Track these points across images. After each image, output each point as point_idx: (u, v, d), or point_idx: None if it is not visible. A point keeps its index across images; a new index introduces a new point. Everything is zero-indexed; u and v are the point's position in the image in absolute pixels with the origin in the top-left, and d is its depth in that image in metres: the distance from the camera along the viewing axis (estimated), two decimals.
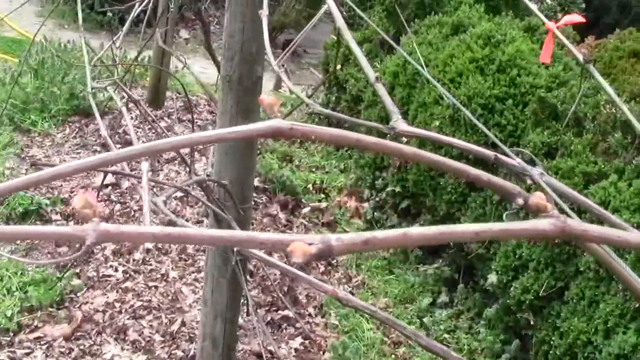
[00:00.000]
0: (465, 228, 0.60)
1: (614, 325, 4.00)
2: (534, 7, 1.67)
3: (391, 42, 2.40)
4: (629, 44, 6.96)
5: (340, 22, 1.57)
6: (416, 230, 0.60)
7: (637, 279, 0.81)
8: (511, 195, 0.69)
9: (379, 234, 0.59)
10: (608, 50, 7.05)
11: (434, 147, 4.76)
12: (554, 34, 1.63)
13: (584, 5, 11.24)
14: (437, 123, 5.50)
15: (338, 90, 8.00)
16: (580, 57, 1.63)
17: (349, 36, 1.55)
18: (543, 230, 0.60)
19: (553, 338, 4.39)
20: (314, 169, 7.27)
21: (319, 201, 6.62)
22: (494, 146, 1.45)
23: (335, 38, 8.05)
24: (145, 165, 1.69)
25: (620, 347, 3.89)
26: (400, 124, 1.25)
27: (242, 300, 3.69)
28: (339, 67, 4.94)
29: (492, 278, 4.95)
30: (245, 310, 4.38)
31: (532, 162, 1.21)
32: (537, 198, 0.62)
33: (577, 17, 1.69)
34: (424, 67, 5.41)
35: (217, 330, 3.42)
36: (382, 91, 1.40)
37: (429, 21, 6.74)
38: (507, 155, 1.25)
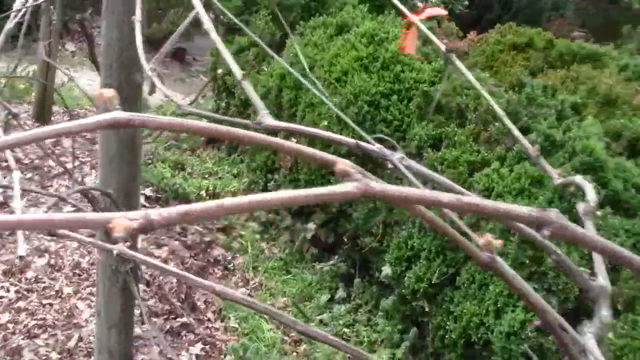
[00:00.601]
0: (276, 195, 0.64)
1: (503, 305, 4.14)
2: (396, 1, 1.74)
3: (269, 50, 2.42)
4: (509, 38, 7.21)
5: (208, 25, 1.60)
6: (229, 201, 0.64)
7: (466, 241, 0.87)
8: (327, 164, 0.74)
9: (197, 205, 0.62)
10: (490, 44, 7.29)
11: (323, 145, 4.83)
12: (417, 26, 1.70)
13: (467, 3, 11.49)
14: (326, 122, 5.58)
15: (227, 96, 8.01)
16: (442, 47, 1.69)
17: (215, 37, 1.58)
18: (348, 192, 0.64)
19: (448, 323, 4.51)
20: (206, 176, 7.26)
21: None
22: (381, 141, 1.51)
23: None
24: (16, 174, 1.66)
25: (510, 325, 4.03)
26: (266, 118, 1.31)
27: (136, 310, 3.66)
28: (220, 71, 4.97)
29: (387, 270, 5.04)
30: (141, 320, 4.35)
31: (393, 148, 1.26)
32: (341, 165, 0.67)
33: (439, 10, 1.76)
34: (308, 68, 5.48)
35: (113, 341, 3.38)
36: (248, 89, 1.44)
37: (313, 22, 6.83)
38: (370, 143, 1.31)
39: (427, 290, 4.69)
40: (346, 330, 5.35)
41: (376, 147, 1.17)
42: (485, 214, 0.64)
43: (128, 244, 1.81)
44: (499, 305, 4.16)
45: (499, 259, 0.85)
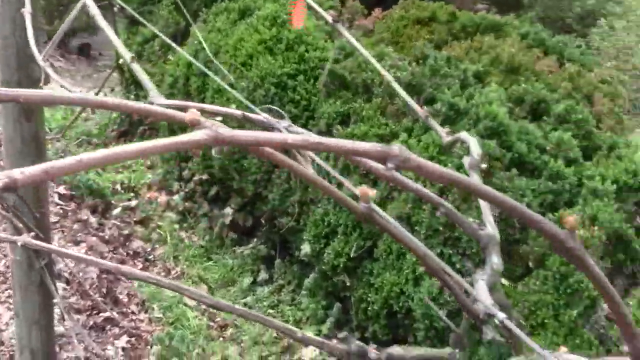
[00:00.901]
0: (130, 147, 0.67)
1: (422, 273, 4.23)
2: None
3: (171, 42, 2.43)
4: (413, 12, 7.32)
5: (94, 11, 1.61)
6: (87, 155, 0.66)
7: (341, 193, 0.90)
8: (181, 120, 0.76)
9: (57, 162, 0.64)
10: (394, 20, 7.38)
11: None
12: None
13: None
14: (234, 106, 5.59)
15: (136, 88, 7.94)
16: (330, 18, 1.73)
17: (104, 23, 1.59)
18: (199, 139, 0.66)
19: (369, 295, 4.57)
20: (120, 169, 7.20)
21: (129, 200, 6.57)
22: (281, 117, 1.54)
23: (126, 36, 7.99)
24: None
25: (428, 291, 4.12)
26: (157, 98, 1.34)
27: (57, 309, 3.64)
28: (121, 61, 4.91)
29: (306, 248, 5.09)
30: (62, 317, 4.31)
31: (281, 116, 1.30)
32: (191, 114, 0.69)
33: None
34: (213, 55, 5.49)
35: (34, 339, 3.35)
36: (138, 71, 1.47)
37: (216, 9, 6.82)
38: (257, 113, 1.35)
39: (347, 265, 4.75)
40: (271, 311, 5.39)
41: (262, 116, 1.21)
42: (331, 151, 0.67)
43: (32, 234, 1.82)
44: (417, 273, 4.25)
45: (376, 208, 0.90)
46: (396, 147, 0.67)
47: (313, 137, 0.67)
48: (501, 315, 1.09)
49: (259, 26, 5.90)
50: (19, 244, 1.82)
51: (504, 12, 11.14)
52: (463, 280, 1.18)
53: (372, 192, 0.87)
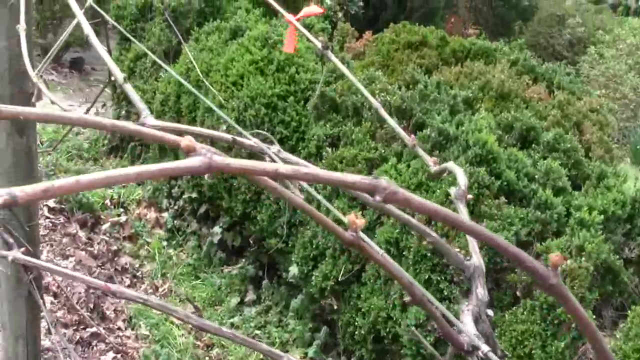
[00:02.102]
0: (128, 171, 0.69)
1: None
2: (274, 3, 1.80)
3: (160, 62, 2.46)
4: (404, 36, 7.36)
5: (88, 30, 1.63)
6: (86, 177, 0.68)
7: (329, 220, 0.92)
8: (175, 145, 0.78)
9: (57, 182, 0.66)
10: (385, 43, 7.43)
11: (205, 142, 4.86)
12: (295, 25, 1.76)
13: (362, 4, 11.61)
14: (225, 127, 5.61)
15: (127, 104, 7.95)
16: (319, 45, 1.76)
17: (95, 41, 1.61)
18: (193, 166, 0.69)
19: (357, 319, 4.58)
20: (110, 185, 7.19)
21: (118, 215, 6.57)
22: (280, 142, 1.56)
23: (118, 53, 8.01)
24: None
25: (416, 317, 4.13)
26: (149, 119, 1.36)
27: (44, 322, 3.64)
28: (113, 78, 4.95)
29: (294, 270, 5.10)
30: (49, 331, 4.31)
31: (270, 142, 1.32)
32: (186, 141, 0.72)
33: (315, 9, 1.82)
34: (202, 74, 5.52)
35: (20, 353, 3.35)
36: (130, 91, 1.49)
37: (208, 28, 6.85)
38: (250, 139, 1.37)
39: (335, 288, 4.76)
40: (258, 332, 5.39)
41: (253, 141, 1.23)
42: (321, 182, 0.69)
43: (23, 249, 1.83)
44: (404, 299, 4.25)
45: (364, 237, 0.92)
46: (384, 181, 0.69)
47: (304, 169, 0.69)
48: (485, 347, 1.11)
49: (250, 46, 5.93)
50: (9, 259, 1.84)
51: (495, 38, 11.23)
52: (447, 311, 1.20)
53: (361, 222, 0.89)
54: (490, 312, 1.36)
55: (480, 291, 1.36)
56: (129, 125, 0.85)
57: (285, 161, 1.21)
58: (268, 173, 0.70)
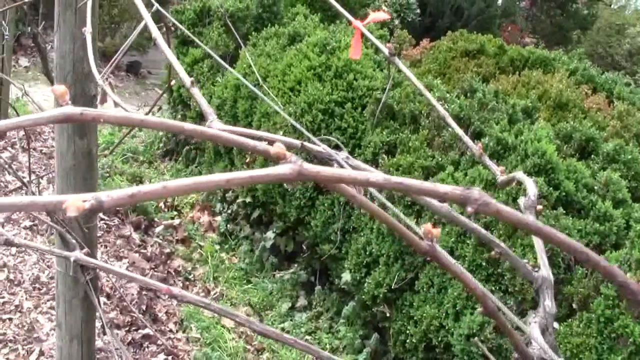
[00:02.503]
0: (217, 177, 0.68)
1: (462, 308, 4.20)
2: (340, 9, 1.78)
3: (222, 62, 2.46)
4: (461, 44, 7.31)
5: (156, 33, 1.63)
6: (174, 182, 0.67)
7: (405, 229, 0.91)
8: (263, 152, 0.77)
9: (143, 187, 0.65)
10: (442, 51, 7.39)
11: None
12: (362, 31, 1.75)
13: (418, 11, 11.57)
14: (281, 132, 5.62)
15: (183, 108, 8.02)
16: (386, 51, 1.74)
17: (164, 45, 1.61)
18: (284, 174, 0.68)
19: (408, 327, 4.55)
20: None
21: (172, 218, 6.62)
22: (336, 147, 1.54)
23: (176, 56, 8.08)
24: None
25: (469, 327, 4.09)
26: (216, 123, 1.35)
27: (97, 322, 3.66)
28: (173, 82, 4.99)
29: (346, 277, 5.09)
30: (102, 332, 4.34)
31: (338, 148, 1.31)
32: (276, 148, 0.71)
33: (382, 15, 1.80)
34: (261, 79, 5.53)
35: (74, 353, 3.38)
36: (197, 95, 1.48)
37: (266, 33, 6.88)
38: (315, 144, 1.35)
39: (387, 296, 4.74)
40: (308, 337, 5.38)
41: (321, 147, 1.22)
42: (411, 192, 0.68)
43: (85, 250, 1.84)
44: (457, 308, 4.22)
45: (438, 247, 0.90)
46: (476, 192, 0.67)
47: (394, 178, 0.68)
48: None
49: (308, 52, 5.94)
50: (72, 259, 1.85)
51: (552, 47, 11.10)
52: (521, 322, 1.17)
53: (437, 231, 0.88)
54: (556, 324, 1.34)
55: (548, 303, 1.33)
56: (207, 130, 0.84)
57: (354, 168, 1.20)
58: (359, 182, 0.69)
